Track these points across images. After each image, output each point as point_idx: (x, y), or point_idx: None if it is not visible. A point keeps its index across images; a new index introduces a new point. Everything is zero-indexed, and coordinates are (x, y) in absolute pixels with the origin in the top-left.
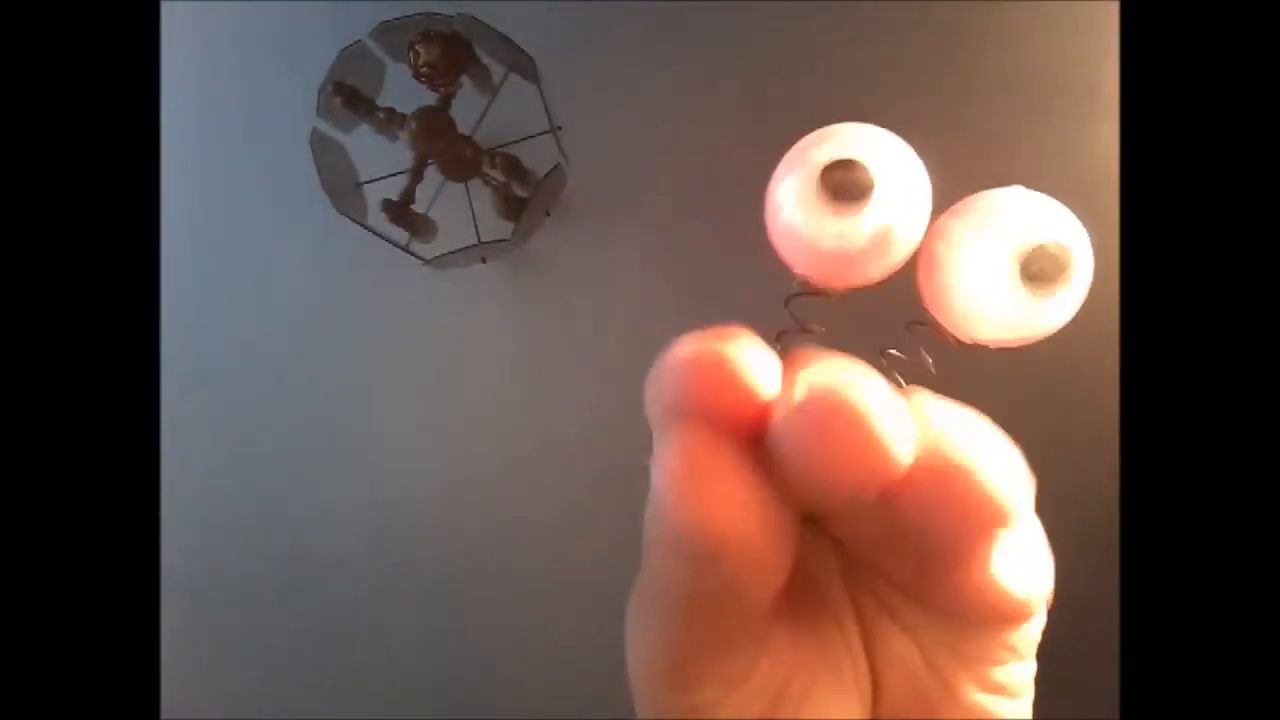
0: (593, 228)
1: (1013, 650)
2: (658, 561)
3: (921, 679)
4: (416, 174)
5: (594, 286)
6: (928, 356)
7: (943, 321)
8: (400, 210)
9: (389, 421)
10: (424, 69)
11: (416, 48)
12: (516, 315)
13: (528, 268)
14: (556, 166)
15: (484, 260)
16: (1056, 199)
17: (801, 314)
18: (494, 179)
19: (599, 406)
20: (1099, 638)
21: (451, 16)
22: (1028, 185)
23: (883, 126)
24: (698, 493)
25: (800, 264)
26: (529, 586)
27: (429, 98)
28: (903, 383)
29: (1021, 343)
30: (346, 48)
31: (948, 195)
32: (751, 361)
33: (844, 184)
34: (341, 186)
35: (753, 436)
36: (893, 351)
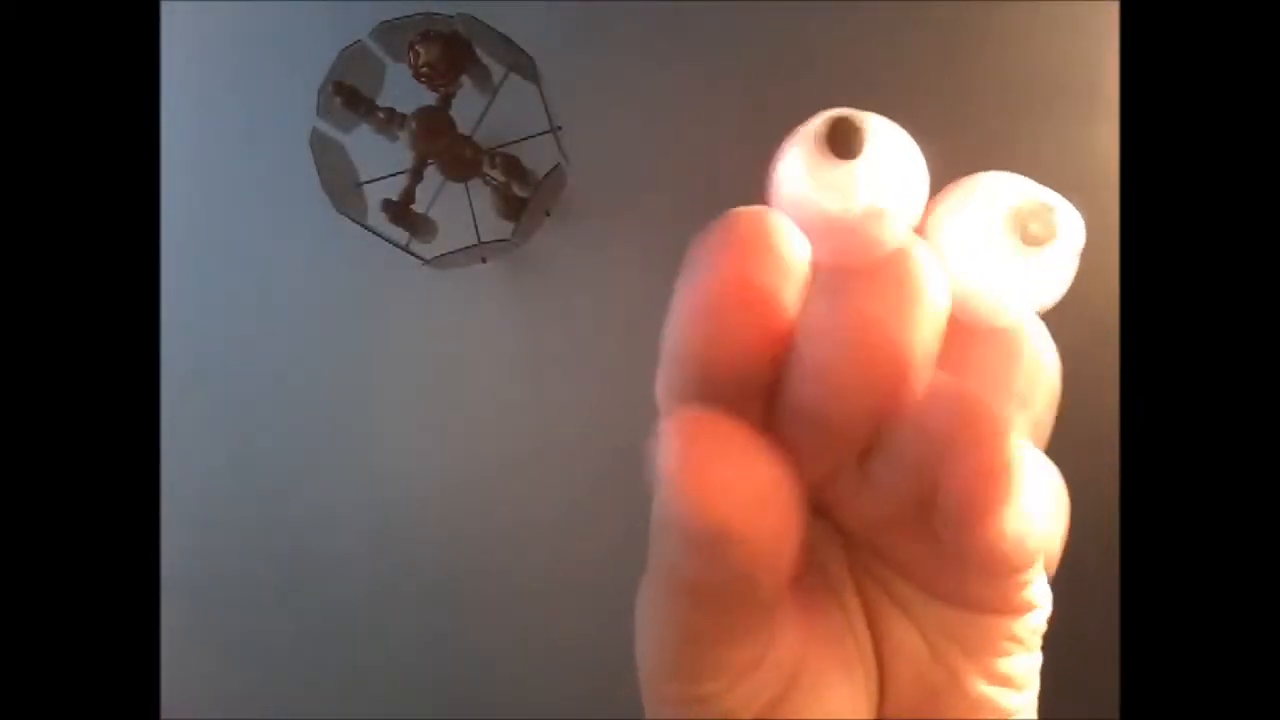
0: (593, 228)
1: (1018, 640)
2: (666, 549)
3: (927, 669)
4: (416, 174)
5: (594, 286)
6: None
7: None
8: (400, 210)
9: (389, 421)
10: (424, 69)
11: (416, 48)
12: (516, 315)
13: (528, 268)
14: (556, 166)
15: (484, 260)
16: None
17: None
18: (494, 179)
19: (599, 406)
20: (1099, 638)
21: (451, 16)
22: None
23: None
24: (705, 479)
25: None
26: (529, 586)
27: (429, 98)
28: None
29: (1018, 317)
30: (346, 48)
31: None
32: (789, 230)
33: (839, 145)
34: (341, 186)
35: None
36: None
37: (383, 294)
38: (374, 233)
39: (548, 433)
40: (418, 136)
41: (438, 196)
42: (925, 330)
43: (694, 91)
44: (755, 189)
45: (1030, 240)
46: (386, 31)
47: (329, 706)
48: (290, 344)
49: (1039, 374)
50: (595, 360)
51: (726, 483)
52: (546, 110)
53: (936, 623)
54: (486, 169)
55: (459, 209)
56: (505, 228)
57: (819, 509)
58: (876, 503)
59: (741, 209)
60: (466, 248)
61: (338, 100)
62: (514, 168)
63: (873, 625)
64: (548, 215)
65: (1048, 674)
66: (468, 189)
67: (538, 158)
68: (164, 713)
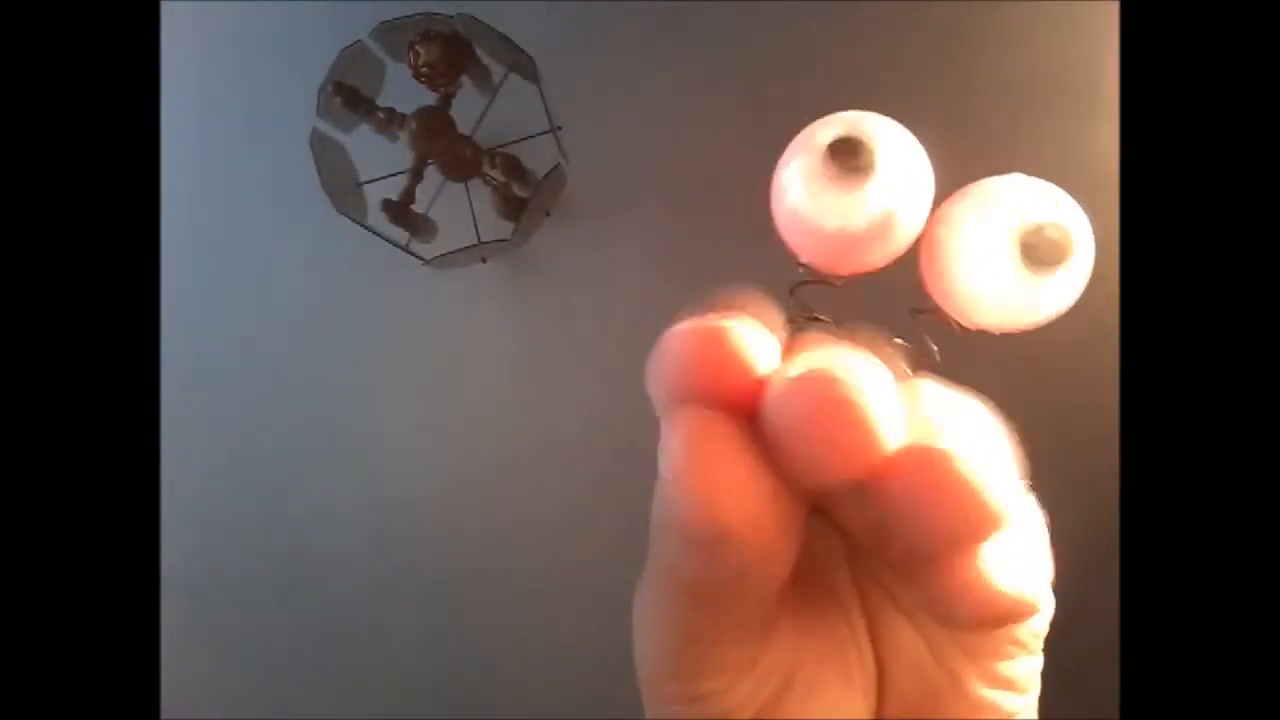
0: (593, 228)
1: (1019, 644)
2: (666, 549)
3: (928, 670)
4: (416, 174)
5: (594, 286)
6: (933, 344)
7: (945, 307)
8: (400, 210)
9: (389, 421)
10: (424, 69)
11: (416, 48)
12: (516, 315)
13: (528, 268)
14: (556, 166)
15: (484, 260)
16: None
17: (807, 302)
18: (494, 179)
19: (599, 406)
20: (1099, 638)
21: (451, 16)
22: None
23: None
24: (705, 480)
25: (805, 249)
26: (529, 586)
27: (429, 98)
28: (909, 371)
29: (1024, 327)
30: (346, 48)
31: (948, 194)
32: (749, 339)
33: (846, 160)
34: (341, 186)
35: (751, 417)
36: (897, 340)
37: (383, 294)
38: (374, 233)
39: (548, 433)
40: (418, 136)
41: (438, 196)
42: (884, 405)
43: (694, 91)
44: (755, 189)
45: (1044, 264)
46: (386, 31)
47: (329, 706)
48: (290, 344)
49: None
50: (595, 360)
51: (729, 484)
52: (546, 110)
53: (940, 627)
54: (486, 169)
55: (459, 209)
56: (505, 228)
57: (821, 510)
58: (866, 510)
59: (698, 327)
60: (466, 248)
61: (338, 100)
62: (514, 168)
63: (874, 627)
64: (548, 215)
65: (1048, 675)
66: (468, 189)
67: (538, 158)
68: (164, 713)
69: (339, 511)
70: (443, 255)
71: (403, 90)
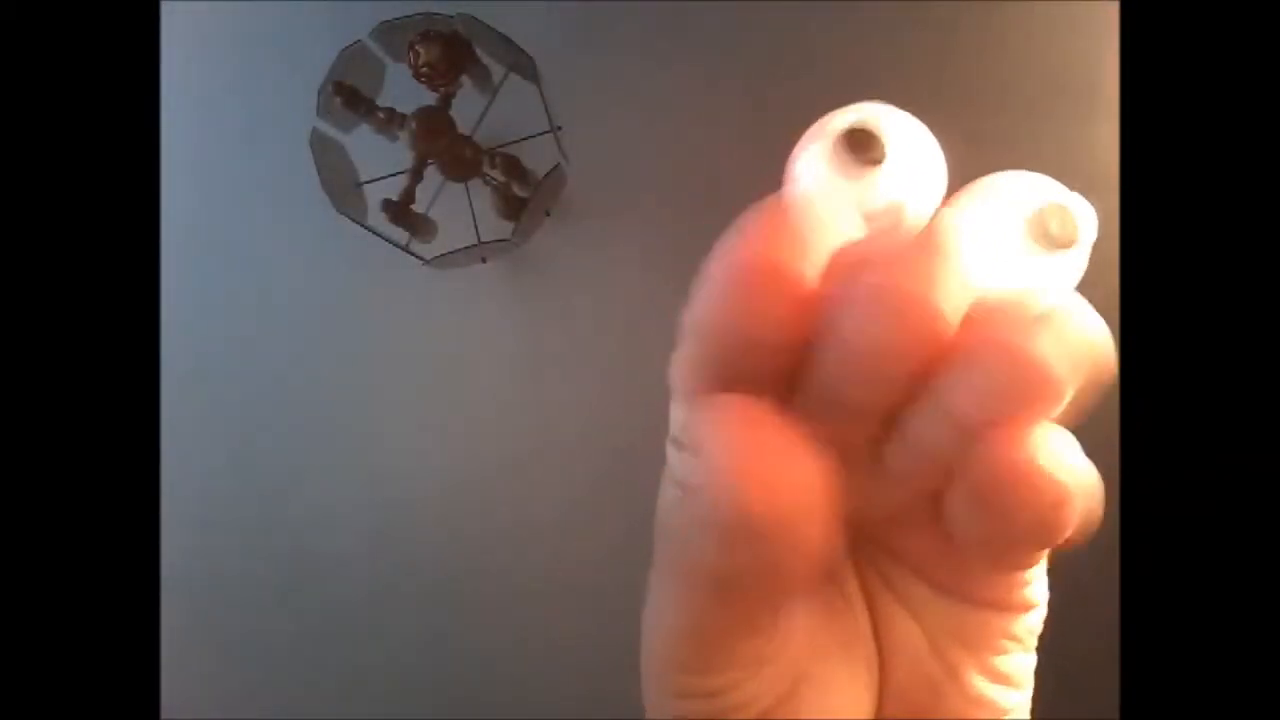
0: (593, 228)
1: (1016, 639)
2: (694, 538)
3: (927, 665)
4: (416, 174)
5: (594, 286)
6: None
7: None
8: (400, 210)
9: (389, 421)
10: (424, 69)
11: (416, 48)
12: (516, 315)
13: (528, 268)
14: (556, 166)
15: (484, 260)
16: None
17: None
18: (494, 179)
19: (599, 406)
20: (1099, 638)
21: (451, 16)
22: None
23: None
24: (746, 470)
25: None
26: (529, 586)
27: (429, 98)
28: None
29: None
30: (346, 48)
31: (947, 194)
32: (814, 212)
33: (858, 149)
34: (341, 186)
35: (798, 343)
36: None
37: (383, 294)
38: (374, 233)
39: (548, 433)
40: (418, 136)
41: (438, 196)
42: (952, 285)
43: (694, 91)
44: (755, 189)
45: (1050, 243)
46: (386, 31)
47: (329, 706)
48: (290, 344)
49: (1083, 353)
50: (595, 360)
51: (771, 474)
52: (546, 110)
53: (938, 619)
54: (486, 169)
55: (459, 209)
56: (505, 228)
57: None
58: (891, 491)
59: (770, 197)
60: (466, 248)
61: (338, 100)
62: (514, 168)
63: (875, 621)
64: (548, 215)
65: (1048, 674)
66: (468, 189)
67: (538, 158)
68: (164, 713)
69: (339, 511)
70: (443, 255)
71: (403, 90)
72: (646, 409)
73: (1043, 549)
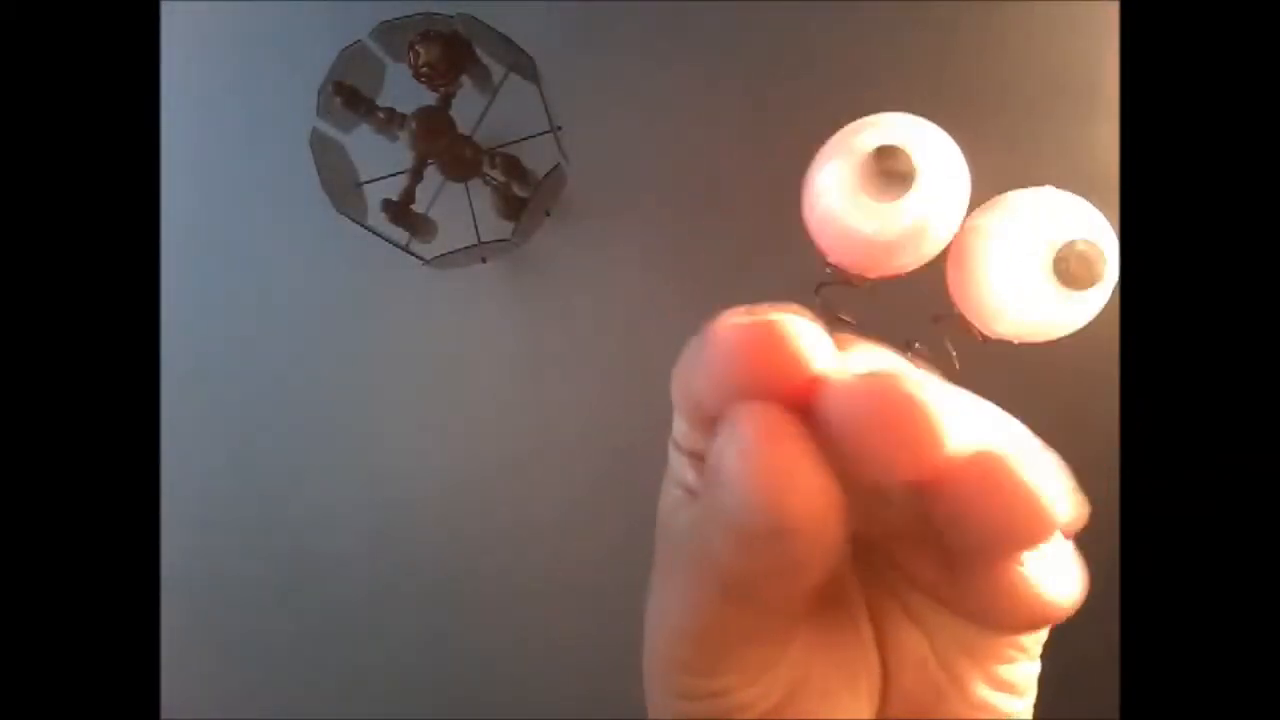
0: (593, 228)
1: (1022, 649)
2: (713, 540)
3: (932, 674)
4: (416, 174)
5: (594, 286)
6: (952, 350)
7: (970, 316)
8: (400, 210)
9: (389, 421)
10: (424, 69)
11: (416, 48)
12: (516, 315)
13: (528, 268)
14: (556, 166)
15: (484, 260)
16: None
17: (832, 302)
18: (494, 179)
19: (599, 406)
20: (1099, 637)
21: (451, 16)
22: (1028, 185)
23: None
24: (772, 472)
25: (836, 251)
26: (529, 586)
27: (429, 98)
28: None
29: (1047, 339)
30: (346, 48)
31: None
32: (806, 333)
33: (887, 171)
34: (341, 186)
35: (804, 415)
36: (917, 345)
37: (383, 294)
38: (374, 233)
39: (548, 433)
40: (418, 136)
41: (438, 196)
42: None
43: (694, 91)
44: (755, 189)
45: (1075, 282)
46: (386, 31)
47: (329, 706)
48: (290, 344)
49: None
50: (595, 360)
51: (796, 477)
52: (546, 110)
53: (943, 629)
54: (486, 169)
55: (459, 209)
56: (505, 228)
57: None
58: (904, 511)
59: (755, 324)
60: (466, 248)
61: (338, 100)
62: (514, 168)
63: (878, 628)
64: (548, 215)
65: (1048, 674)
66: (468, 189)
67: (538, 158)
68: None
69: (339, 511)
70: (443, 255)
71: (403, 90)
72: (646, 409)
73: (1026, 616)
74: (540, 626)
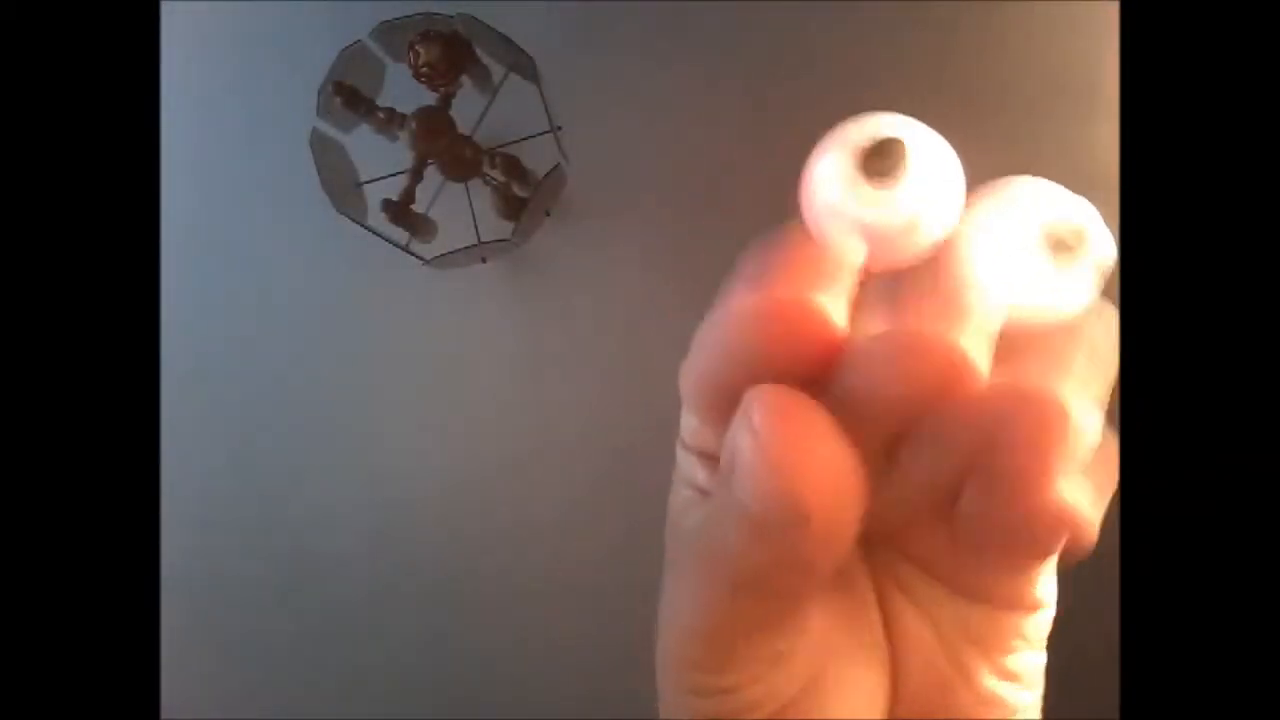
0: (593, 228)
1: (1025, 638)
2: (726, 536)
3: (938, 665)
4: (416, 174)
5: (594, 286)
6: None
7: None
8: (400, 210)
9: (389, 421)
10: (424, 69)
11: (416, 48)
12: (516, 315)
13: (528, 268)
14: (556, 166)
15: (484, 260)
16: None
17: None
18: (494, 179)
19: (599, 406)
20: (1099, 637)
21: (451, 16)
22: None
23: None
24: (792, 458)
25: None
26: (529, 586)
27: (429, 98)
28: None
29: (1038, 321)
30: (346, 48)
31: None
32: (827, 306)
33: (879, 160)
34: (341, 186)
35: (823, 387)
36: None
37: (383, 294)
38: (374, 233)
39: (548, 433)
40: (418, 136)
41: (438, 196)
42: (978, 335)
43: (694, 91)
44: (756, 189)
45: (1063, 258)
46: (386, 31)
47: (329, 706)
48: (290, 344)
49: (1099, 355)
50: (595, 360)
51: (817, 463)
52: (546, 110)
53: (950, 618)
54: (486, 169)
55: (459, 209)
56: (505, 228)
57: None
58: (903, 493)
59: (792, 224)
60: (466, 248)
61: (338, 100)
62: (514, 168)
63: (887, 622)
64: (548, 215)
65: (1048, 674)
66: (468, 189)
67: (538, 158)
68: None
69: (339, 511)
70: (443, 255)
71: (403, 90)
72: (646, 409)
73: (1052, 542)
74: (540, 626)
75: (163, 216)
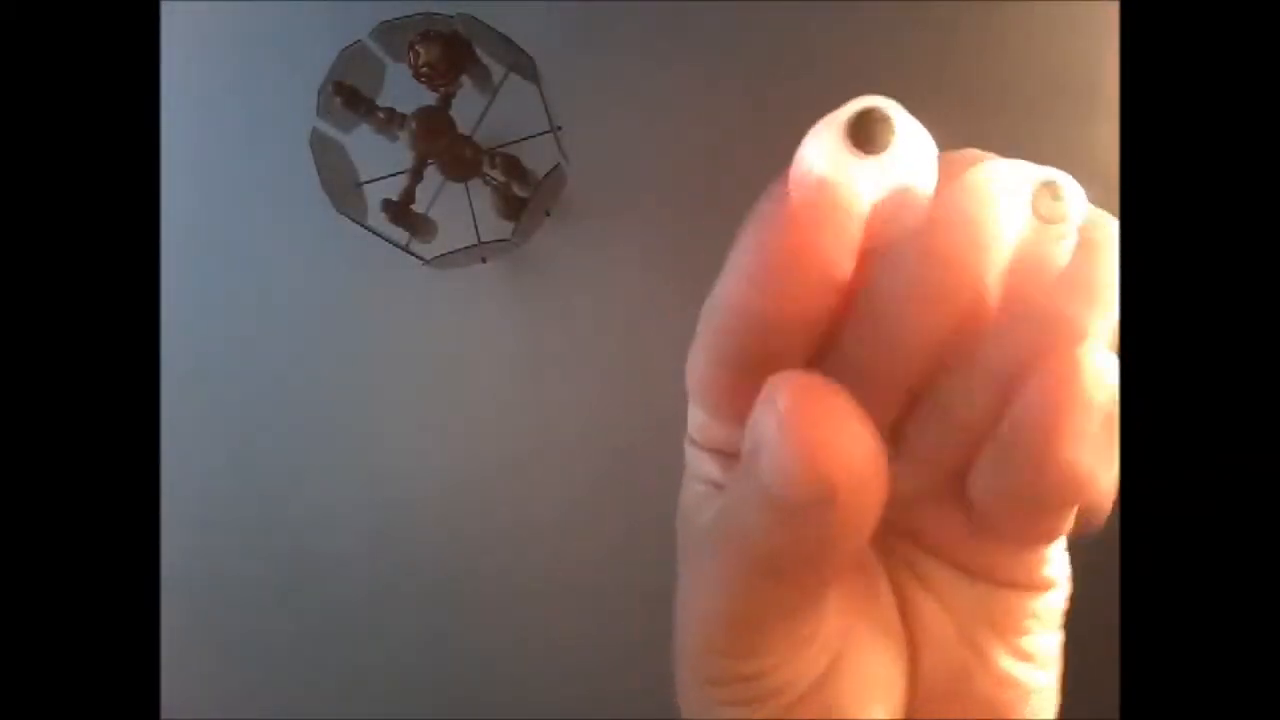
0: (593, 228)
1: (1040, 619)
2: (748, 519)
3: (954, 648)
4: (416, 174)
5: (594, 286)
6: None
7: None
8: (400, 210)
9: (389, 421)
10: (424, 69)
11: (416, 48)
12: (516, 315)
13: (528, 268)
14: (556, 166)
15: (484, 260)
16: None
17: None
18: (494, 179)
19: (599, 406)
20: (1099, 637)
21: (451, 16)
22: None
23: None
24: (817, 438)
25: None
26: (529, 586)
27: (429, 98)
28: None
29: (1038, 280)
30: (346, 48)
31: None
32: (848, 188)
33: (864, 136)
34: (341, 186)
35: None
36: None
37: (383, 294)
38: (374, 233)
39: (548, 433)
40: (418, 136)
41: (438, 196)
42: (997, 245)
43: (694, 91)
44: (756, 189)
45: (1044, 219)
46: (386, 31)
47: (329, 706)
48: (290, 344)
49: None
50: (595, 360)
51: (841, 443)
52: (546, 110)
53: (963, 601)
54: (486, 169)
55: (459, 209)
56: (505, 228)
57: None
58: (915, 471)
59: (794, 177)
60: (466, 248)
61: (338, 100)
62: (514, 168)
63: (901, 607)
64: (548, 215)
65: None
66: (468, 189)
67: (538, 158)
68: (164, 713)
69: (339, 511)
70: (443, 255)
71: (403, 90)
72: (646, 409)
73: (1068, 506)
74: (540, 626)
75: (163, 216)
